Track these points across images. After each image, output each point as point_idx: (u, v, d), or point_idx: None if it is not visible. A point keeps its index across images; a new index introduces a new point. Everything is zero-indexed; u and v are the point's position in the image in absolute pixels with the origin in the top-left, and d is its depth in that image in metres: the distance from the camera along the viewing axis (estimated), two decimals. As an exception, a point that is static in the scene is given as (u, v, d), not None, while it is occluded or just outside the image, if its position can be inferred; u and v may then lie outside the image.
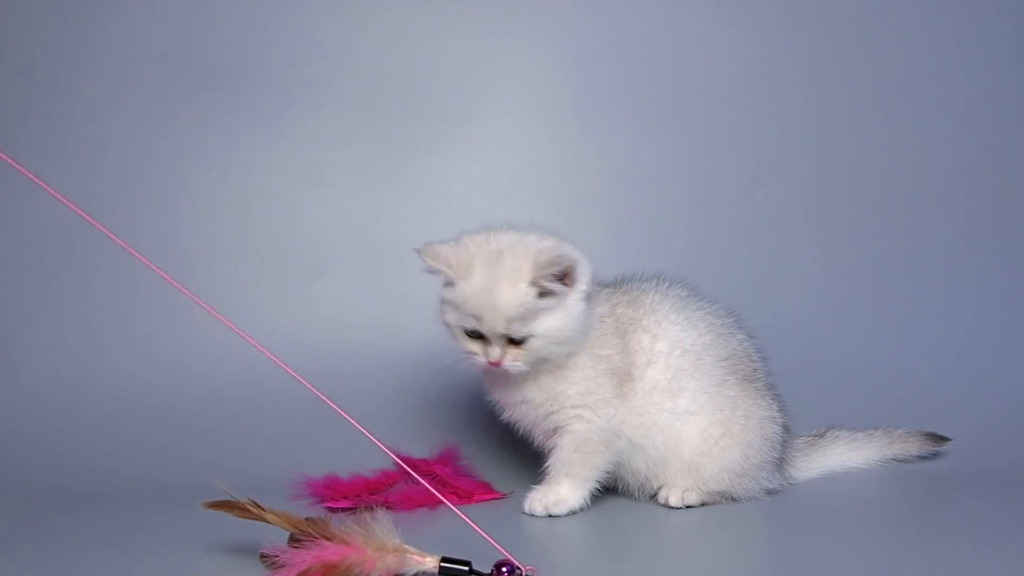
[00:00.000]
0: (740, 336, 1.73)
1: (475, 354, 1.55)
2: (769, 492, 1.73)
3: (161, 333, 2.24)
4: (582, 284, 1.55)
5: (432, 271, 1.57)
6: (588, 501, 1.63)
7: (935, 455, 1.94)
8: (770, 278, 2.30)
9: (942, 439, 1.94)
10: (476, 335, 1.55)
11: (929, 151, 2.42)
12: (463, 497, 1.74)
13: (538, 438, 1.68)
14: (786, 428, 1.76)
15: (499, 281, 1.50)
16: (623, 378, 1.61)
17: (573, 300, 1.54)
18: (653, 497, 1.69)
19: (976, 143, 2.43)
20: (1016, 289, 2.37)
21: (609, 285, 1.70)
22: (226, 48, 2.34)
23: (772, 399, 1.73)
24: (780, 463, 1.74)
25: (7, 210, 2.28)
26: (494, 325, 1.51)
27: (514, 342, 1.53)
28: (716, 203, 2.41)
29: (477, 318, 1.52)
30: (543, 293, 1.52)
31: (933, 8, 2.44)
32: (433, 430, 1.86)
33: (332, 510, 1.68)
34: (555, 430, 1.63)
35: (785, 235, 2.39)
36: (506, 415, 1.67)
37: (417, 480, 1.48)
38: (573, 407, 1.59)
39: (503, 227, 1.59)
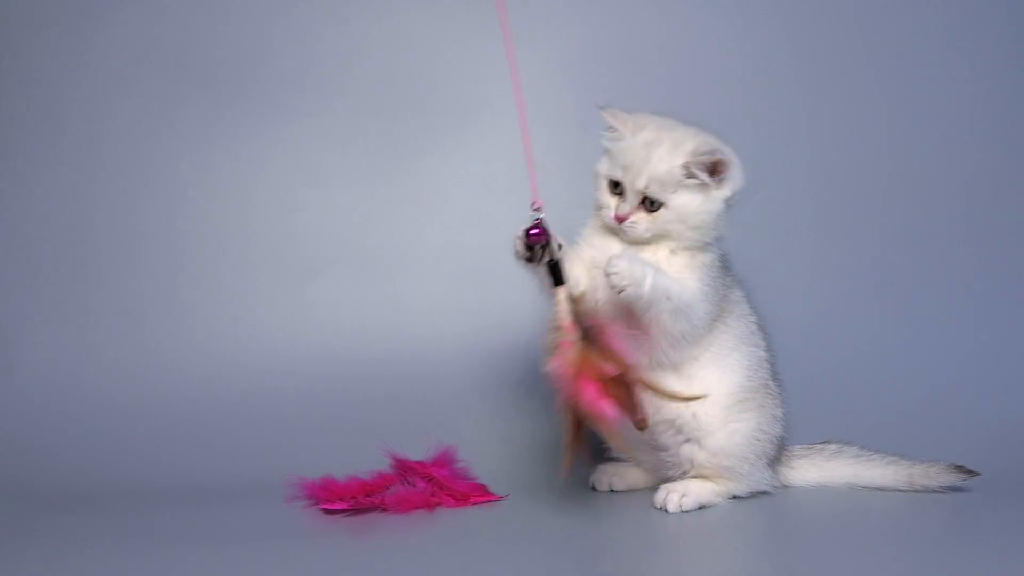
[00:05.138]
0: (764, 344, 1.81)
1: (607, 208, 1.69)
2: (761, 491, 1.76)
3: (158, 335, 2.23)
4: (727, 190, 1.67)
5: (609, 127, 1.71)
6: None
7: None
8: (768, 282, 2.28)
9: (970, 472, 1.78)
10: (617, 192, 1.68)
11: (931, 155, 2.41)
12: (459, 499, 1.73)
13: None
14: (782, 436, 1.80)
15: (659, 145, 1.64)
16: (712, 315, 1.69)
17: (716, 196, 1.66)
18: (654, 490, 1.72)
19: (979, 146, 2.42)
20: (1020, 296, 2.37)
21: None
22: (224, 50, 2.34)
23: (782, 409, 1.79)
24: (774, 462, 1.78)
25: (7, 212, 2.28)
26: (636, 179, 1.64)
27: (647, 209, 1.65)
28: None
29: (625, 169, 1.65)
30: (690, 176, 1.64)
31: (933, 11, 2.44)
32: (429, 432, 1.86)
33: (328, 512, 1.68)
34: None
35: (784, 238, 2.38)
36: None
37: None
38: (668, 299, 1.61)
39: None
